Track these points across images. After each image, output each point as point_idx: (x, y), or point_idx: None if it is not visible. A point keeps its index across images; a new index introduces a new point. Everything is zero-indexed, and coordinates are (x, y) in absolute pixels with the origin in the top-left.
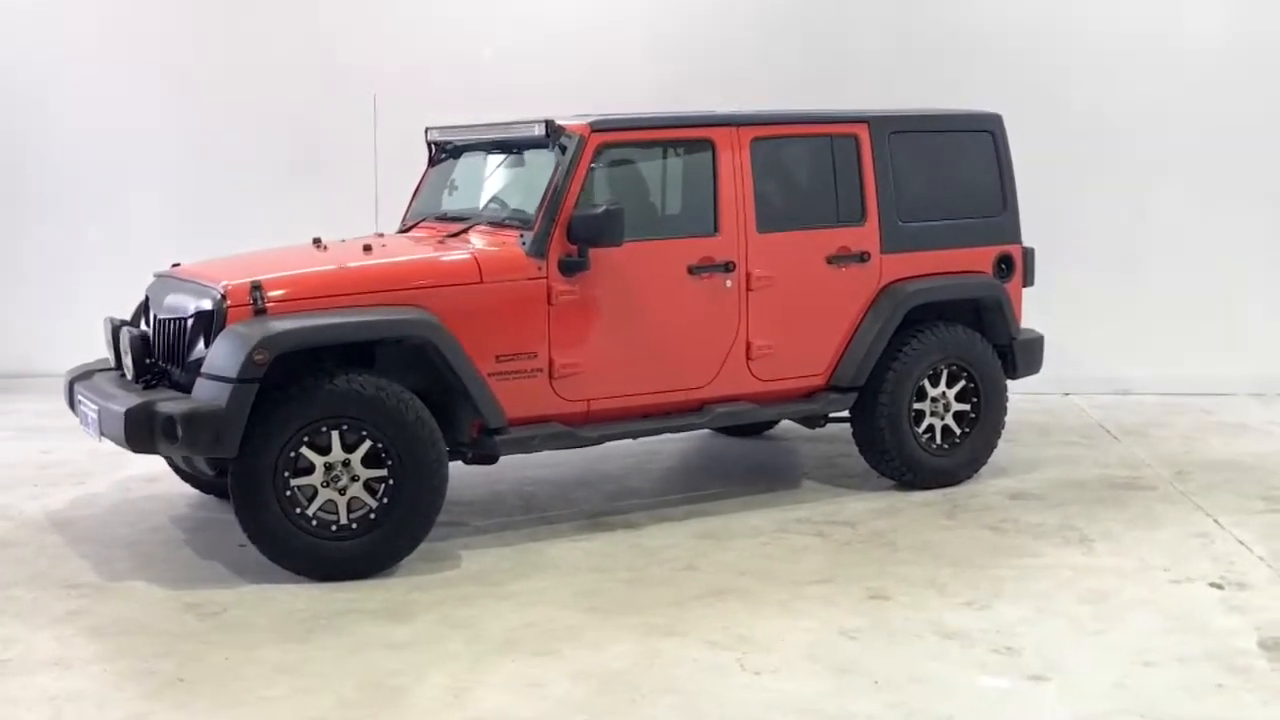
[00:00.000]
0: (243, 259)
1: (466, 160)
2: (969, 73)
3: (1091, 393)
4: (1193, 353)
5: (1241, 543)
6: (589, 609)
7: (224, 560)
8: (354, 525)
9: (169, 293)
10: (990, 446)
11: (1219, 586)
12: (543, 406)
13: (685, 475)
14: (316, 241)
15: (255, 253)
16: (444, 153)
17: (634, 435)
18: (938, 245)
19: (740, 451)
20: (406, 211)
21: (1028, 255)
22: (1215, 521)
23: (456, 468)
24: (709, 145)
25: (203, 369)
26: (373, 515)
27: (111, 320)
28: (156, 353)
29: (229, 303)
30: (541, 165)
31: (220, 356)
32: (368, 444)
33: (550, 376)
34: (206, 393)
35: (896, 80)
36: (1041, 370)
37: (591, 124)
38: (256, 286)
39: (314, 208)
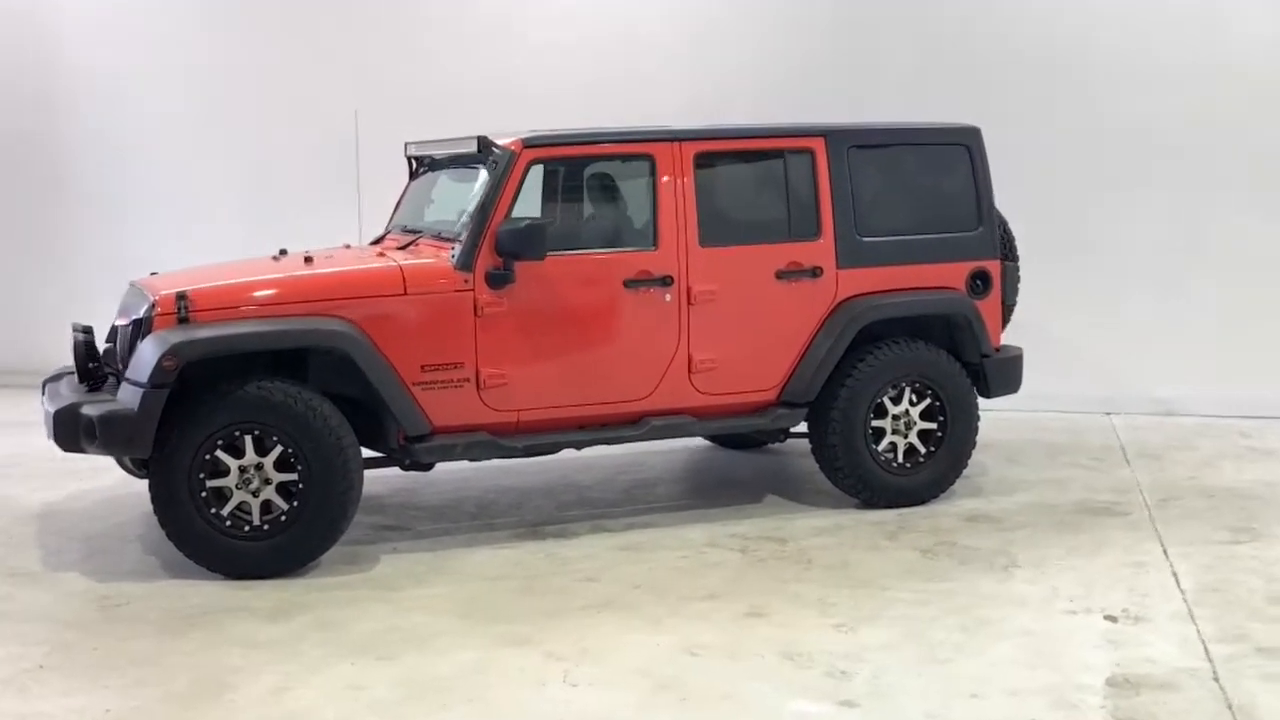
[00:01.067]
0: (200, 269)
1: (440, 175)
2: (1008, 85)
3: (1134, 413)
4: (1240, 373)
5: (1175, 574)
6: (461, 615)
7: (163, 556)
8: (266, 526)
9: (128, 300)
10: (958, 467)
11: (1113, 619)
12: (471, 416)
13: (654, 487)
14: (283, 252)
15: (218, 264)
16: (423, 167)
17: (564, 446)
18: (901, 260)
19: (728, 464)
20: (387, 225)
21: (1007, 272)
22: (1164, 552)
23: (439, 474)
24: (648, 160)
25: (126, 373)
26: (284, 518)
27: (74, 326)
28: (119, 357)
29: (157, 310)
30: (481, 180)
31: (139, 362)
32: (279, 449)
33: (478, 387)
34: (126, 396)
35: (930, 92)
36: (1082, 389)
37: (524, 139)
38: (182, 296)
39: (350, 218)
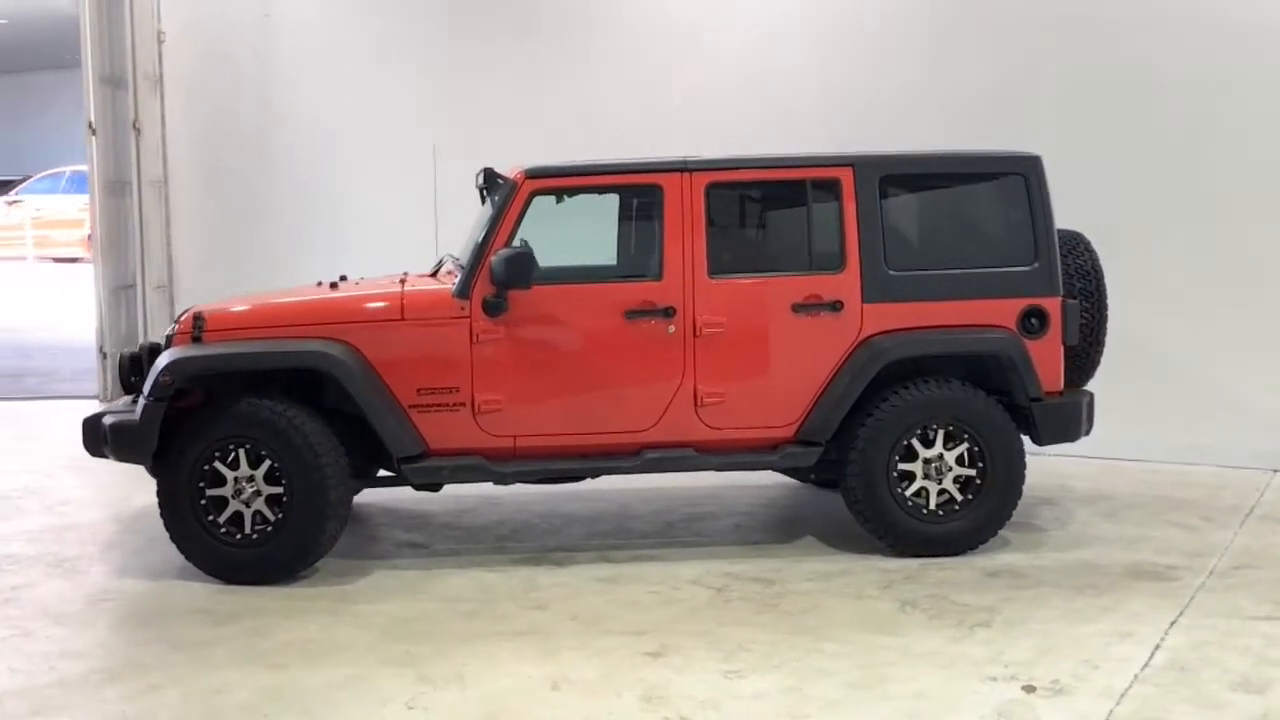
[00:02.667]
0: (250, 296)
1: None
2: (1142, 107)
3: None
4: None
5: (1157, 648)
6: (382, 633)
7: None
8: (254, 536)
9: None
10: (1000, 517)
11: (1031, 690)
12: (466, 440)
13: (700, 522)
14: (342, 278)
15: (269, 291)
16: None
17: (558, 475)
18: (940, 296)
19: (801, 502)
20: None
21: (1068, 310)
22: (1171, 624)
23: (516, 494)
24: (656, 191)
25: (143, 387)
26: (269, 529)
27: (140, 344)
28: None
29: (177, 330)
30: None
31: (149, 377)
32: (267, 463)
33: (474, 411)
34: (138, 408)
35: (1073, 116)
36: (1249, 442)
37: (526, 171)
38: (199, 316)
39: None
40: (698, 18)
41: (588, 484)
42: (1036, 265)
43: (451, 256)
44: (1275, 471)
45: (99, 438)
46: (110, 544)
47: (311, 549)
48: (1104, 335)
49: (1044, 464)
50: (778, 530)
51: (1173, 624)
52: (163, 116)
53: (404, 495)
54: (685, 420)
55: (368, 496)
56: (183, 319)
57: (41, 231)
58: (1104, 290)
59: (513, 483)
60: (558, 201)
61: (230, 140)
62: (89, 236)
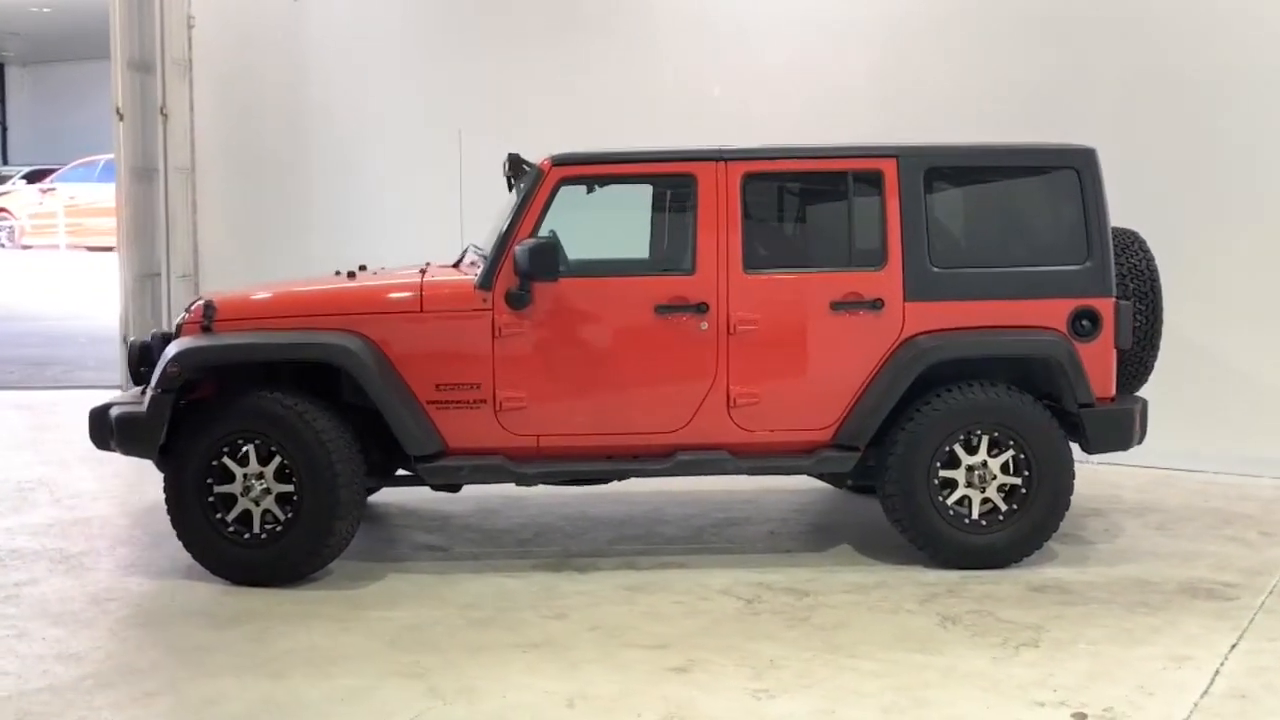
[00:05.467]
0: (264, 284)
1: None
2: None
3: None
4: None
5: (1216, 674)
6: (389, 642)
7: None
8: (263, 535)
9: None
10: (1046, 529)
11: (1081, 718)
12: (487, 438)
13: (733, 527)
14: (362, 268)
15: (284, 280)
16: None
17: (582, 477)
18: (985, 295)
19: (839, 509)
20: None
21: (1121, 312)
22: (1232, 647)
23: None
24: (690, 181)
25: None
26: (278, 529)
27: (152, 333)
28: None
29: (187, 319)
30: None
31: (157, 368)
32: (277, 460)
33: (495, 409)
34: (146, 400)
35: (1128, 113)
36: (1249, 449)
37: (552, 158)
38: (209, 305)
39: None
40: (738, 7)
41: (616, 486)
42: (1089, 264)
43: (475, 247)
44: None
45: (105, 430)
46: (118, 540)
47: (321, 550)
48: (1158, 339)
49: (1092, 473)
50: (812, 538)
51: (1233, 648)
52: (191, 102)
53: (425, 495)
54: (717, 422)
55: (387, 496)
56: (193, 307)
57: (74, 220)
58: (1159, 291)
59: (535, 484)
60: (588, 191)
61: (259, 127)
62: None
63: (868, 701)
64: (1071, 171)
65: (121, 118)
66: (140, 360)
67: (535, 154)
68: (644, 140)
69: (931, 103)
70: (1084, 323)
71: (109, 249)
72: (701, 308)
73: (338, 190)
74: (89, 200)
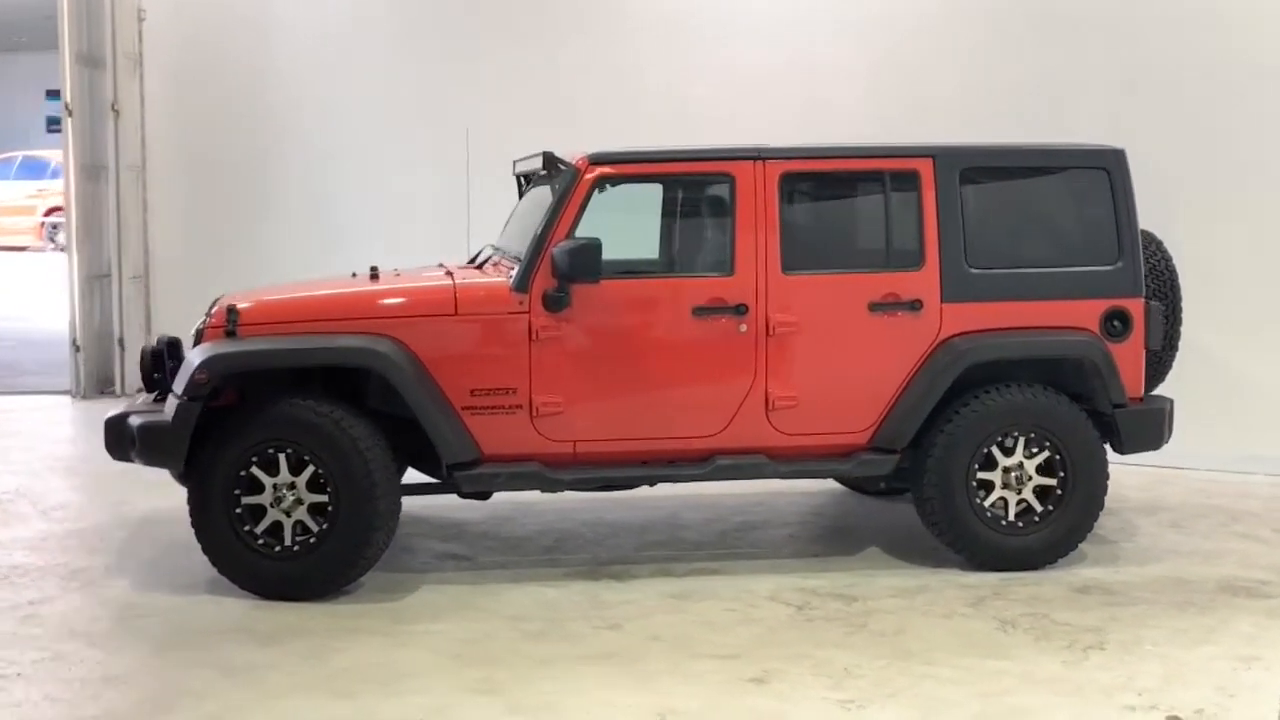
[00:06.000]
0: (277, 286)
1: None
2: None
3: None
4: None
5: None
6: (451, 656)
7: (214, 570)
8: (295, 548)
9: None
10: (1081, 530)
11: None
12: (523, 445)
13: (755, 530)
14: (374, 270)
15: (300, 281)
16: (530, 185)
17: (620, 482)
18: (1020, 296)
19: (851, 511)
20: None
21: (1151, 312)
22: None
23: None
24: (728, 180)
25: (173, 385)
26: (312, 540)
27: (159, 338)
28: None
29: (208, 323)
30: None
31: (180, 375)
32: (310, 469)
33: (531, 414)
34: (168, 408)
35: (1121, 114)
36: (1246, 447)
37: (589, 156)
38: (232, 310)
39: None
40: (721, 7)
41: (632, 491)
42: (1120, 264)
43: (494, 246)
44: None
45: (124, 440)
46: (121, 553)
47: (358, 562)
48: (1178, 339)
49: None
50: (836, 541)
51: None
52: (142, 98)
53: (433, 502)
54: (756, 425)
55: None
56: (214, 312)
57: None
58: (1178, 292)
59: (570, 490)
60: (610, 186)
61: (216, 125)
62: (40, 224)
63: (957, 711)
64: (1102, 172)
65: (70, 113)
66: (154, 367)
67: (503, 155)
68: (626, 140)
69: (921, 102)
70: (1115, 323)
71: (25, 249)
72: (741, 309)
73: (302, 191)
74: (4, 199)
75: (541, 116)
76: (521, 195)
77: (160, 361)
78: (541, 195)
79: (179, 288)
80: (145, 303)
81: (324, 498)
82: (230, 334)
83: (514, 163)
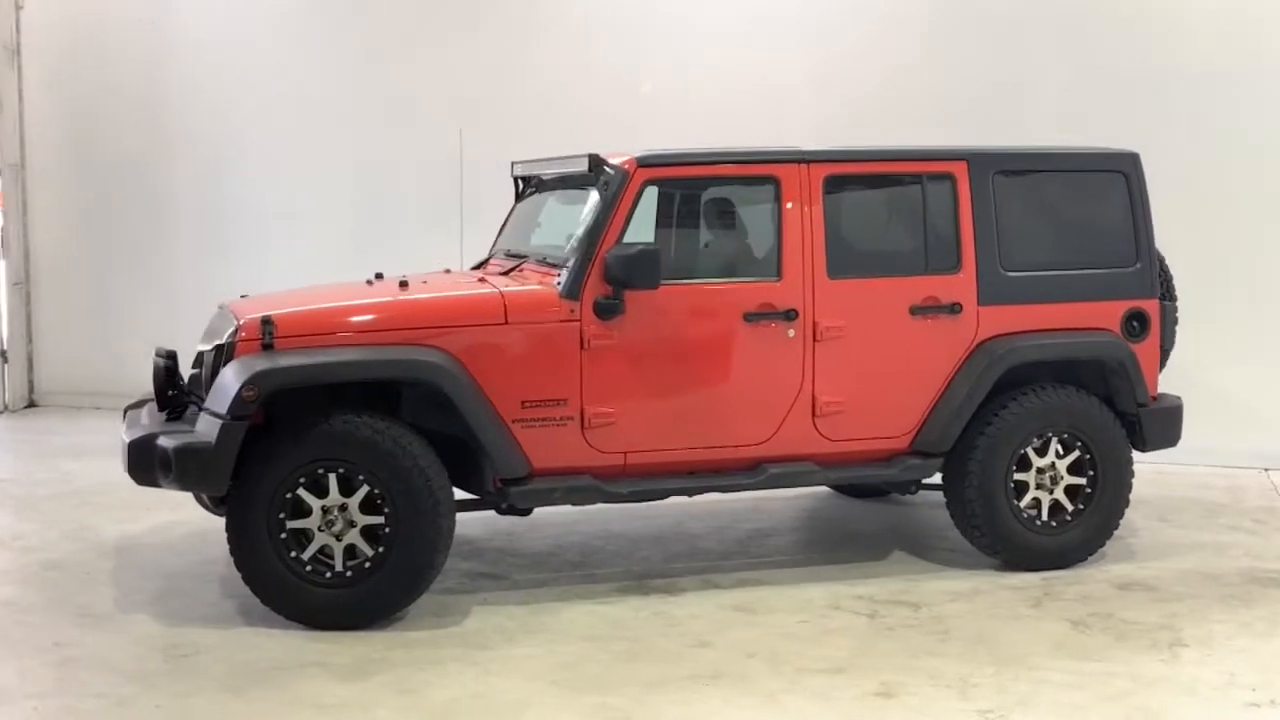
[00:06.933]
0: (289, 294)
1: (550, 196)
2: (1155, 106)
3: None
4: None
5: None
6: (553, 682)
7: (242, 600)
8: (348, 573)
9: (215, 324)
10: (1109, 528)
11: None
12: (574, 457)
13: (770, 538)
14: (378, 276)
15: (310, 288)
16: (530, 187)
17: (673, 493)
18: (1050, 298)
19: (850, 514)
20: (491, 248)
21: (1166, 313)
22: None
23: (541, 517)
24: (773, 183)
25: (205, 403)
26: (368, 565)
27: (157, 350)
28: (204, 384)
29: (240, 336)
30: (590, 201)
31: (217, 391)
32: (365, 489)
33: (583, 426)
34: (203, 427)
35: (1076, 117)
36: (1239, 442)
37: (638, 158)
38: (267, 321)
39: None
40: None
41: (624, 504)
42: (1138, 266)
43: (507, 251)
44: (1266, 470)
45: (153, 464)
46: (119, 585)
47: (419, 586)
48: (1173, 340)
49: None
50: (856, 546)
51: None
52: (21, 92)
53: None
54: (803, 431)
55: None
56: (245, 324)
57: None
58: (1174, 291)
59: (625, 502)
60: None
61: (105, 121)
62: None
63: (1093, 715)
64: (1120, 175)
65: None
66: (168, 382)
67: (439, 152)
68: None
69: (869, 102)
70: (1134, 324)
71: None
72: (791, 314)
73: (199, 191)
74: None
75: (455, 115)
76: (519, 198)
77: (174, 376)
78: (555, 200)
79: (64, 295)
80: (25, 311)
81: (379, 519)
82: (268, 346)
83: (512, 164)
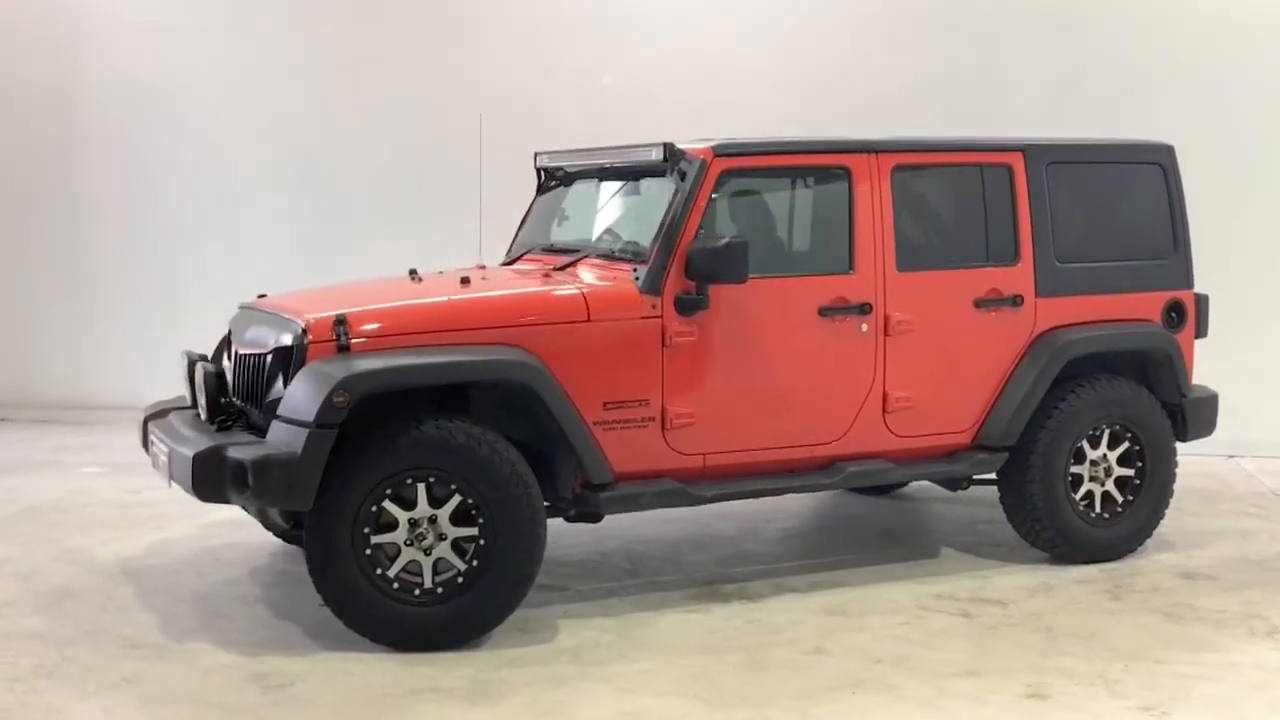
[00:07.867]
0: (331, 291)
1: (578, 188)
2: (1139, 105)
3: (1263, 456)
4: None
5: None
6: (696, 697)
7: (300, 622)
8: (439, 590)
9: (250, 326)
10: (1156, 518)
11: None
12: (654, 460)
13: (806, 539)
14: (413, 273)
15: (346, 284)
16: (554, 179)
17: (755, 494)
18: (1100, 290)
19: (867, 512)
20: (513, 242)
21: (1201, 303)
22: None
23: (557, 524)
24: (845, 173)
25: (279, 411)
26: (460, 579)
27: (189, 355)
28: (234, 391)
29: (310, 338)
30: (658, 193)
31: (297, 398)
32: (457, 499)
33: (663, 427)
34: (282, 437)
35: (1053, 112)
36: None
37: (714, 148)
38: (340, 321)
39: (425, 237)
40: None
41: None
42: (1176, 256)
43: (544, 247)
44: (1232, 457)
45: (225, 477)
46: (156, 612)
47: (515, 600)
48: (1206, 328)
49: None
50: (903, 543)
51: None
52: None
53: None
54: (874, 428)
55: None
56: (313, 324)
57: None
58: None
59: (710, 504)
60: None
61: (13, 109)
62: None
63: (1251, 709)
64: (1157, 167)
65: None
66: (219, 389)
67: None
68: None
69: (842, 93)
70: (1173, 314)
71: None
72: (865, 308)
73: (118, 186)
74: None
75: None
76: (541, 190)
77: (224, 383)
78: (605, 191)
79: None
80: None
81: (472, 530)
82: (343, 348)
83: (535, 155)
